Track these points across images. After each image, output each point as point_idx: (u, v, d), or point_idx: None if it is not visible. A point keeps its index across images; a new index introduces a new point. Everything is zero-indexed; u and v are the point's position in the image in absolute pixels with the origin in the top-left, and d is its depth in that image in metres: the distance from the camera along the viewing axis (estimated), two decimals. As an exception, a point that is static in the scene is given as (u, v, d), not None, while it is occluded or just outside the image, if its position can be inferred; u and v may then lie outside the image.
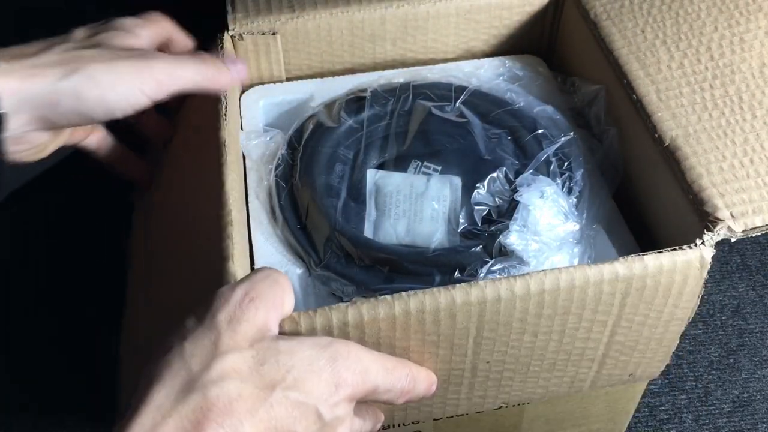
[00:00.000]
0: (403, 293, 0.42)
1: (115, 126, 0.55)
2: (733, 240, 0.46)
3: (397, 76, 0.61)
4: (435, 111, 0.57)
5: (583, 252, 0.52)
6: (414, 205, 0.54)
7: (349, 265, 0.51)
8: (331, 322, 0.41)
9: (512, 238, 0.50)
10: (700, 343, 0.73)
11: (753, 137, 0.50)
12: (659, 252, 0.44)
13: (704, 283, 0.46)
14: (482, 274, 0.49)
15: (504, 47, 0.66)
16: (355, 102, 0.59)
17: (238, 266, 0.44)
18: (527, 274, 0.43)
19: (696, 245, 0.45)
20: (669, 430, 0.68)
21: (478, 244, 0.51)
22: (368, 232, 0.53)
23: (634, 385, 0.56)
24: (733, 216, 0.46)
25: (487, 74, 0.62)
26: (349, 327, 0.42)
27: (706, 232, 0.45)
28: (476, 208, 0.53)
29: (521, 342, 0.46)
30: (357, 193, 0.55)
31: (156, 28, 0.53)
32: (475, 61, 0.64)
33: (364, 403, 0.44)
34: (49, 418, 0.66)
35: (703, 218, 0.46)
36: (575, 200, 0.53)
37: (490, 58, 0.64)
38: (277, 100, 0.61)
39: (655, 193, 0.52)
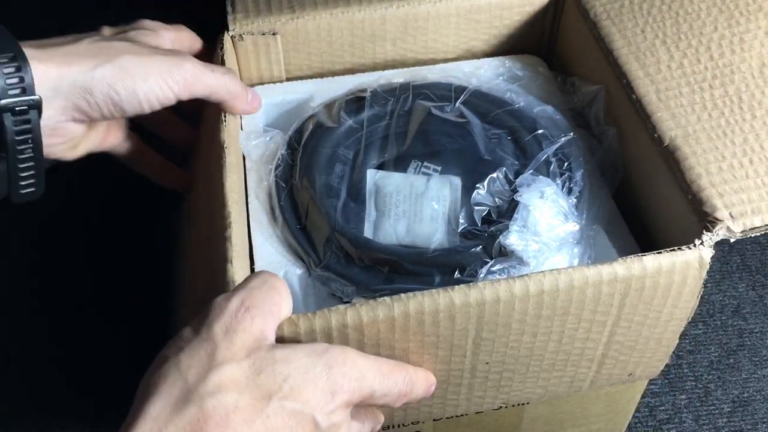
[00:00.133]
0: (402, 295, 0.42)
1: (149, 138, 0.58)
2: (732, 240, 0.46)
3: (397, 76, 0.61)
4: (435, 111, 0.57)
5: (583, 252, 0.52)
6: (414, 206, 0.54)
7: (348, 265, 0.51)
8: (330, 324, 0.41)
9: (512, 239, 0.50)
10: (700, 343, 0.73)
11: (752, 137, 0.50)
12: (658, 253, 0.44)
13: (703, 284, 0.46)
14: (482, 275, 0.49)
15: (504, 47, 0.66)
16: (355, 102, 0.59)
17: (238, 268, 0.44)
18: (526, 275, 0.43)
19: (695, 246, 0.45)
20: (669, 430, 0.68)
21: (478, 245, 0.51)
22: (368, 232, 0.53)
23: (633, 385, 0.56)
24: (732, 216, 0.46)
25: (487, 74, 0.62)
26: (348, 329, 0.42)
27: (705, 232, 0.45)
28: (476, 208, 0.53)
29: (520, 342, 0.46)
30: (357, 194, 0.55)
31: (179, 34, 0.55)
32: (475, 61, 0.64)
33: (362, 406, 0.44)
34: (49, 418, 0.66)
35: (702, 218, 0.46)
36: (575, 200, 0.53)
37: (490, 58, 0.64)
38: (277, 101, 0.61)
39: (655, 193, 0.52)
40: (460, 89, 0.59)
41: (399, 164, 0.56)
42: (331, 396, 0.39)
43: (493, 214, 0.53)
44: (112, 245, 0.76)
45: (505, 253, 0.50)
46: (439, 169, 0.56)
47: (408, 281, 0.50)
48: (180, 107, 0.52)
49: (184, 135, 0.60)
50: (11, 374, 0.69)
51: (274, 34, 0.60)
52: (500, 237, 0.50)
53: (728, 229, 0.45)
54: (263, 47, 0.60)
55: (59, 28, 0.49)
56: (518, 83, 0.61)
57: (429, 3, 0.61)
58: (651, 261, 0.44)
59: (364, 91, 0.59)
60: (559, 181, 0.54)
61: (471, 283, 0.42)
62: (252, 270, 0.51)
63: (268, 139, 0.57)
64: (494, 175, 0.54)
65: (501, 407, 0.52)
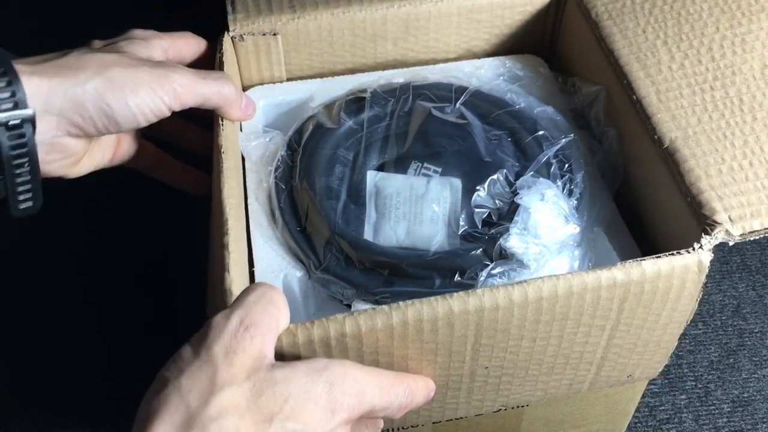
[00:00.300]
0: (401, 303, 0.42)
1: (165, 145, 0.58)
2: (731, 243, 0.46)
3: (397, 76, 0.61)
4: (435, 112, 0.57)
5: (584, 255, 0.52)
6: (414, 208, 0.54)
7: (348, 268, 0.51)
8: (329, 334, 0.41)
9: (512, 241, 0.50)
10: (700, 343, 0.73)
11: (753, 140, 0.50)
12: (657, 257, 0.44)
13: (702, 286, 0.46)
14: (482, 278, 0.49)
15: (505, 47, 0.65)
16: (355, 103, 0.59)
17: (235, 276, 0.44)
18: (525, 281, 0.43)
19: (694, 249, 0.45)
20: (669, 430, 0.68)
21: (478, 247, 0.51)
22: (368, 234, 0.53)
23: (633, 386, 0.56)
24: (731, 219, 0.46)
25: (488, 74, 0.62)
26: (347, 338, 0.42)
27: (704, 235, 0.45)
28: (476, 210, 0.53)
29: (519, 347, 0.46)
30: (357, 195, 0.55)
31: (174, 41, 0.54)
32: (476, 61, 0.64)
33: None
34: (49, 418, 0.66)
35: (701, 221, 0.46)
36: (576, 202, 0.53)
37: (491, 58, 0.64)
38: (277, 101, 0.61)
39: (654, 195, 0.52)
40: (461, 90, 0.59)
41: (399, 165, 0.56)
42: (331, 414, 0.39)
43: (493, 216, 0.53)
44: (120, 243, 0.76)
45: (505, 256, 0.50)
46: (440, 170, 0.56)
47: (408, 284, 0.50)
48: (191, 112, 0.52)
49: (199, 140, 0.59)
50: (11, 374, 0.69)
51: (274, 34, 0.60)
52: (501, 239, 0.50)
53: (727, 232, 0.45)
54: (264, 47, 0.60)
55: (67, 31, 0.49)
56: (519, 83, 0.61)
57: (430, 2, 0.61)
58: (650, 265, 0.44)
59: (364, 91, 0.59)
60: (559, 183, 0.54)
61: (470, 290, 0.42)
62: (251, 273, 0.51)
63: (267, 140, 0.57)
64: (495, 176, 0.54)
65: (500, 410, 0.52)
